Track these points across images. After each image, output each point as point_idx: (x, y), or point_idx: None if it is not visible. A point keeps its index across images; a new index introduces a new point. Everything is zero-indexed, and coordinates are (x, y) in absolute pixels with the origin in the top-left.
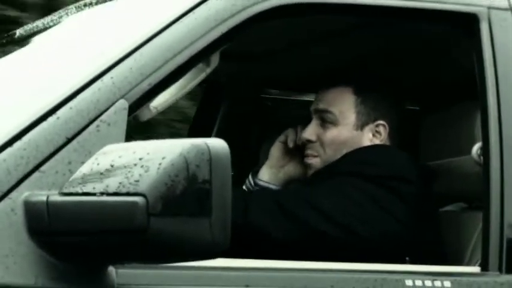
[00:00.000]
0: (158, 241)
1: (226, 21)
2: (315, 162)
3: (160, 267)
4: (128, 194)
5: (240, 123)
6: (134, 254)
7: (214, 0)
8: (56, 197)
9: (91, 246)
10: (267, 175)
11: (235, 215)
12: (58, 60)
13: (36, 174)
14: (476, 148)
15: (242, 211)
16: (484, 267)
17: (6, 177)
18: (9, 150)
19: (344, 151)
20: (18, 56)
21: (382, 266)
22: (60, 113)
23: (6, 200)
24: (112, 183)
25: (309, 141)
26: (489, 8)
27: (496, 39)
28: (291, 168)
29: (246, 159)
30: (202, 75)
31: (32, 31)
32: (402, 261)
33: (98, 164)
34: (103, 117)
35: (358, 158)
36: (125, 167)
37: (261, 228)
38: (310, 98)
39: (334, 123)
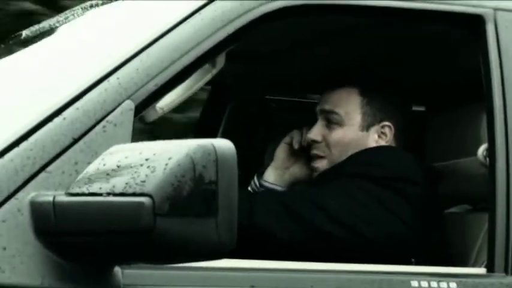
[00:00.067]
0: (164, 241)
1: (233, 22)
2: (321, 166)
3: (166, 268)
4: (134, 194)
5: (245, 124)
6: (140, 254)
7: (221, 1)
8: (62, 198)
9: (97, 246)
10: (273, 176)
11: (240, 216)
12: (64, 60)
13: (42, 175)
14: (482, 149)
15: (248, 212)
16: (490, 268)
17: (13, 177)
18: (16, 150)
19: (350, 152)
20: (24, 56)
21: (388, 267)
22: (66, 113)
23: (12, 201)
24: (118, 183)
25: (315, 141)
26: (495, 9)
27: (502, 40)
28: (296, 170)
29: (251, 160)
30: (209, 76)
31: (38, 32)
32: (408, 263)
33: (104, 165)
34: (109, 117)
35: (364, 159)
36: (131, 167)
37: (266, 229)
38: (315, 99)
39: (340, 124)
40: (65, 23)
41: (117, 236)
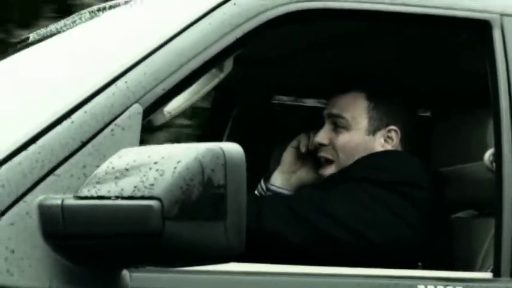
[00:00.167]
0: (173, 245)
1: (241, 27)
2: (328, 170)
3: (174, 271)
4: (142, 197)
5: (251, 128)
6: (148, 257)
7: (229, 6)
8: (70, 201)
9: (105, 249)
10: (279, 180)
11: (248, 220)
12: (72, 64)
13: (51, 178)
14: (488, 154)
15: (255, 216)
16: (496, 273)
17: (22, 180)
18: (24, 153)
19: (356, 156)
20: (32, 59)
21: (395, 271)
22: (74, 117)
23: (21, 204)
24: (127, 186)
25: (322, 144)
26: (502, 15)
27: (508, 45)
28: (303, 174)
29: (256, 164)
30: (216, 80)
31: (45, 35)
32: (414, 267)
33: (112, 168)
34: (117, 121)
35: (371, 164)
36: (140, 170)
37: (274, 234)
38: (321, 104)
39: (347, 128)
40: (73, 26)
41: (125, 240)
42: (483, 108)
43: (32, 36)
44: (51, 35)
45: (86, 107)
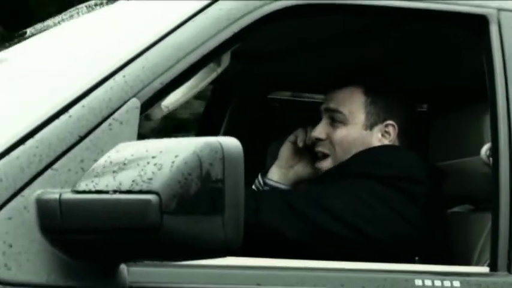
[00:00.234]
0: (171, 239)
1: (238, 21)
2: (325, 165)
3: (172, 266)
4: (141, 191)
5: (247, 123)
6: (146, 252)
7: (226, 0)
8: (68, 195)
9: (103, 244)
10: (277, 175)
11: (246, 215)
12: (70, 58)
13: (48, 172)
14: (485, 149)
15: (253, 211)
16: (493, 267)
17: (19, 174)
18: (22, 148)
19: (353, 150)
20: (29, 54)
21: (392, 265)
22: (72, 111)
23: (18, 198)
24: (125, 181)
25: (319, 139)
26: (499, 9)
27: (505, 40)
28: (301, 169)
29: (253, 159)
30: (214, 75)
31: (42, 30)
32: (412, 261)
33: (110, 162)
34: (115, 115)
35: (368, 159)
36: (138, 164)
37: (271, 228)
38: (318, 99)
39: (344, 122)
40: (70, 21)
41: (123, 234)
42: (480, 103)
43: (29, 30)
44: (49, 29)
45: (84, 101)
